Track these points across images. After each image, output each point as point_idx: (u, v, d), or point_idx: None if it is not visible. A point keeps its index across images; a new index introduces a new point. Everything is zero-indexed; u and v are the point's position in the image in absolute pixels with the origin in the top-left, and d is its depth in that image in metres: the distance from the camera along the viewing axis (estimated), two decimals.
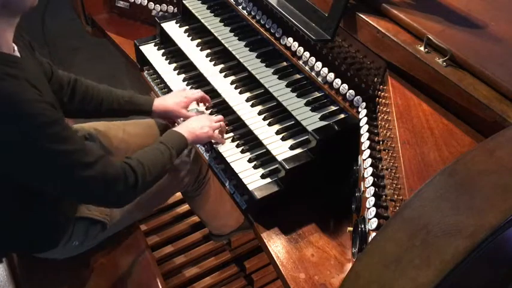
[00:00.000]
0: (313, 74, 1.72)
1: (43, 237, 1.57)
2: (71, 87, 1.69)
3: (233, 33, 1.97)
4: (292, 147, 1.61)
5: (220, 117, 1.78)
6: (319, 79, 1.70)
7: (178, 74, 2.04)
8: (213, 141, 1.73)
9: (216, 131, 1.71)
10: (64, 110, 1.67)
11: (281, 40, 1.80)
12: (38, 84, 1.27)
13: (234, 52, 1.90)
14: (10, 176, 1.34)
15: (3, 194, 1.41)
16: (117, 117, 1.84)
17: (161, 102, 1.81)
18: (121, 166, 1.41)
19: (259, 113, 1.74)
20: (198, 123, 1.70)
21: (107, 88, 1.78)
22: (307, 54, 1.72)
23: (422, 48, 1.37)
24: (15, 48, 1.31)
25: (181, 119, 1.86)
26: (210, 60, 1.97)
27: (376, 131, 1.44)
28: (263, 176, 1.60)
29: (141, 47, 2.15)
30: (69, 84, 1.69)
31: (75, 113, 1.73)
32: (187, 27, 2.12)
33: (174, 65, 2.07)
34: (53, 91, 1.56)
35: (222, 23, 2.02)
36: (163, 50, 2.13)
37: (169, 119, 1.92)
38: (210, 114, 1.86)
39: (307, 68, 1.73)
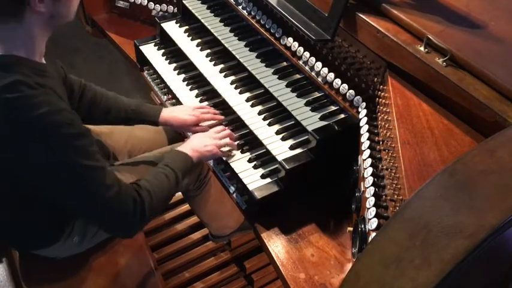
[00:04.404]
0: (313, 74, 1.72)
1: (45, 231, 1.57)
2: (80, 93, 1.68)
3: (233, 33, 1.97)
4: (292, 147, 1.61)
5: (227, 132, 1.72)
6: (319, 79, 1.70)
7: (178, 74, 2.04)
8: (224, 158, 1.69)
9: (222, 148, 1.67)
10: None
11: (281, 40, 1.80)
12: (60, 93, 1.27)
13: (234, 52, 1.90)
14: (25, 180, 1.34)
15: (4, 189, 1.41)
16: (123, 125, 1.84)
17: (169, 115, 1.79)
18: (132, 195, 1.37)
19: (259, 113, 1.74)
20: (202, 142, 1.66)
21: (115, 96, 1.77)
22: (307, 54, 1.72)
23: (422, 48, 1.37)
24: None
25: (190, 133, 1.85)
26: (210, 60, 1.97)
27: (376, 131, 1.44)
28: (263, 176, 1.60)
29: (141, 47, 2.15)
30: (79, 89, 1.68)
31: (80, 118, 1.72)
32: (187, 27, 2.12)
33: (174, 65, 2.07)
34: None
35: (222, 23, 2.02)
36: (163, 50, 2.13)
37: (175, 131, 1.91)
38: None
39: (307, 68, 1.73)
